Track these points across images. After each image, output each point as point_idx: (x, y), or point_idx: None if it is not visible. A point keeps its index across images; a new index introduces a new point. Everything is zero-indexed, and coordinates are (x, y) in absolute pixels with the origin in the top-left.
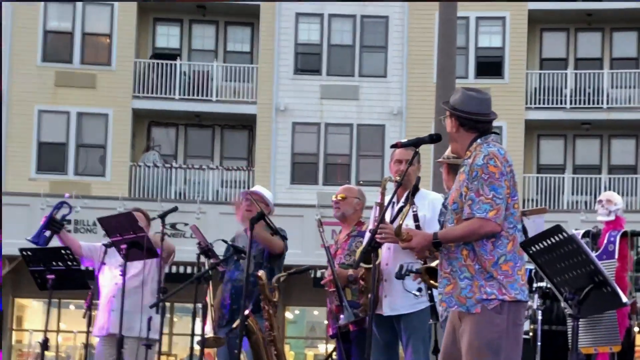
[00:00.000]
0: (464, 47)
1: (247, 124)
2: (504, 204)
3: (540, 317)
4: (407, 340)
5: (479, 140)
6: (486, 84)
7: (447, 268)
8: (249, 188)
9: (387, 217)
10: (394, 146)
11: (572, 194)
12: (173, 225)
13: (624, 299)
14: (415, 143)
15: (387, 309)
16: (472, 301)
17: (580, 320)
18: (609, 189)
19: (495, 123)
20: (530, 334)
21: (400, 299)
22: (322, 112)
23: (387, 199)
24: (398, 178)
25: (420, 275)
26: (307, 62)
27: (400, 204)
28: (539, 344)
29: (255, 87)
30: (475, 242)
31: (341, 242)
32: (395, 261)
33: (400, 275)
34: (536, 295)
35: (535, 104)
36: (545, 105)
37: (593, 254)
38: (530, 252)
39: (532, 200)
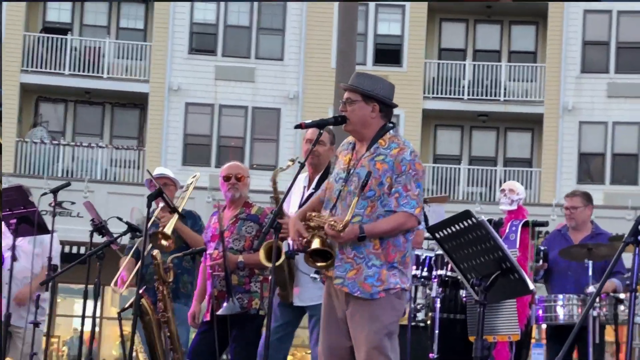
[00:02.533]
0: (363, 33)
1: (138, 102)
2: (422, 202)
3: (438, 305)
4: (312, 329)
5: (392, 131)
6: (384, 72)
7: (351, 253)
8: (139, 168)
9: (297, 202)
10: (298, 127)
11: (468, 185)
12: (59, 204)
13: (531, 286)
14: (319, 124)
15: (297, 299)
16: (377, 289)
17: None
18: (504, 181)
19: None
20: (428, 322)
21: (308, 291)
22: (217, 93)
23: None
24: (290, 162)
25: (305, 257)
26: (202, 42)
27: (311, 189)
28: (436, 332)
29: (148, 66)
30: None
31: (228, 225)
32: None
33: (291, 254)
34: (435, 284)
35: (433, 93)
36: (443, 96)
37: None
38: (438, 237)
39: (428, 190)
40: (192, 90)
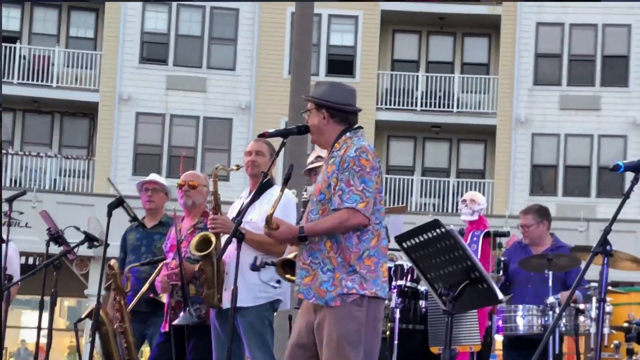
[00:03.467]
0: (316, 44)
1: (88, 112)
2: (372, 198)
3: (397, 316)
4: (243, 334)
5: (348, 134)
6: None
7: (307, 259)
8: (89, 178)
9: (235, 210)
10: (262, 136)
11: (421, 196)
12: (5, 213)
13: (500, 295)
14: (283, 133)
15: (226, 302)
16: (331, 294)
17: (441, 318)
18: (457, 193)
19: None
20: (387, 332)
21: (240, 294)
22: (168, 102)
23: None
24: (235, 167)
25: (276, 268)
26: (153, 51)
27: (250, 199)
28: (395, 342)
29: (98, 75)
30: (342, 234)
31: (186, 234)
32: (244, 257)
33: (255, 267)
34: (394, 294)
35: (386, 104)
36: (396, 107)
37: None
38: (405, 246)
39: (382, 201)
40: (142, 99)
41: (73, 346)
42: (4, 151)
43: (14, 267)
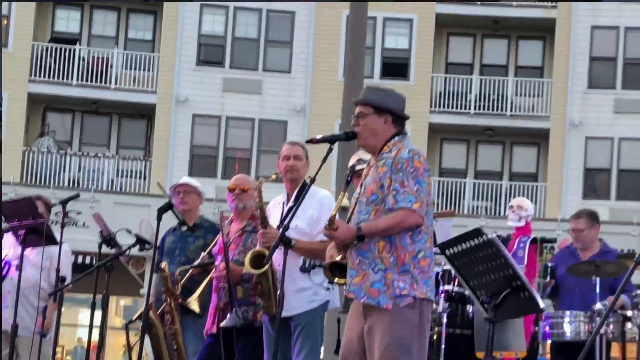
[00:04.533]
0: (370, 47)
1: (145, 113)
2: (426, 199)
3: (445, 320)
4: (296, 338)
5: (397, 138)
6: (391, 85)
7: (356, 259)
8: (145, 179)
9: (278, 217)
10: (309, 142)
11: (473, 199)
12: (66, 214)
13: (542, 304)
14: (330, 140)
15: (284, 311)
16: (384, 296)
17: (486, 325)
18: (510, 196)
19: None
20: (435, 337)
21: (293, 300)
22: (224, 105)
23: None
24: (274, 176)
25: (324, 270)
26: (210, 53)
27: (290, 203)
28: (442, 347)
29: (155, 77)
30: (397, 234)
31: (234, 237)
32: (291, 261)
33: (305, 269)
34: (441, 299)
35: (439, 107)
36: (450, 110)
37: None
38: (448, 254)
39: (434, 204)
40: (199, 101)
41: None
42: (62, 151)
43: (64, 269)
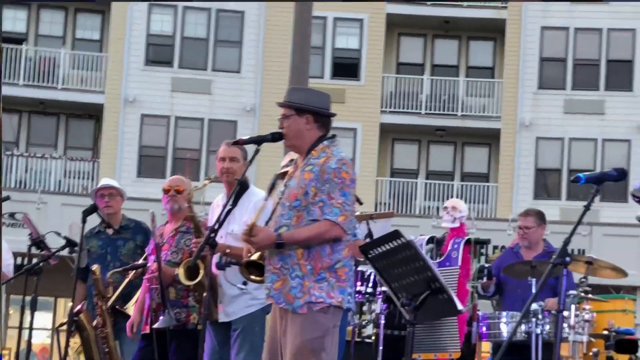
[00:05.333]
0: (321, 47)
1: (93, 113)
2: (351, 212)
3: (382, 322)
4: (234, 340)
5: (325, 142)
6: (342, 85)
7: (278, 264)
8: (93, 179)
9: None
10: (235, 143)
11: (425, 199)
12: (12, 215)
13: (459, 306)
14: (257, 141)
15: (222, 315)
16: (299, 302)
17: (422, 325)
18: (461, 196)
19: (350, 125)
20: (373, 338)
21: (231, 305)
22: (173, 105)
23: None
24: (207, 182)
25: (240, 268)
26: (158, 53)
27: (229, 206)
28: (380, 348)
29: (103, 77)
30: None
31: (168, 237)
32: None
33: (220, 266)
34: (380, 300)
35: (390, 107)
36: (401, 110)
37: (435, 261)
38: (369, 255)
39: (385, 204)
40: (147, 101)
41: (74, 346)
42: (8, 152)
43: (5, 267)
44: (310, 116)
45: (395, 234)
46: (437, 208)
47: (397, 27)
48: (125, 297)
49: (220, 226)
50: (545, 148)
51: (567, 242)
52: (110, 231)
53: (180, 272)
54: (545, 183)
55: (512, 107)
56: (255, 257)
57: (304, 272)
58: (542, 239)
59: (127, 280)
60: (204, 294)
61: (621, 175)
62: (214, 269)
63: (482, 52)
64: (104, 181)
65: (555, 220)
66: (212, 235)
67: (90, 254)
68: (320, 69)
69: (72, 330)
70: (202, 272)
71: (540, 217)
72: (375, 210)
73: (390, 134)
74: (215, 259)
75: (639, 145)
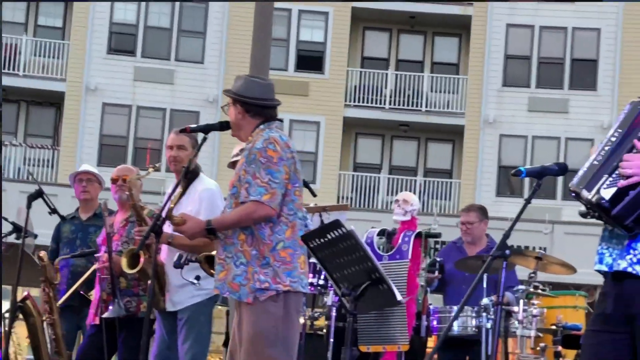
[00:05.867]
0: (285, 39)
1: (54, 101)
2: (280, 189)
3: (334, 314)
4: (180, 329)
5: (261, 127)
6: (306, 78)
7: (222, 254)
8: (53, 167)
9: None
10: (183, 131)
11: (388, 194)
12: None
13: (399, 297)
14: (204, 129)
15: (169, 304)
16: (245, 289)
17: (370, 318)
18: (424, 192)
19: (313, 118)
20: (325, 330)
21: (177, 294)
22: (135, 94)
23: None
24: (151, 170)
25: (200, 264)
26: (121, 42)
27: (175, 194)
28: (331, 340)
29: (65, 64)
30: (254, 226)
31: (118, 227)
32: (170, 256)
33: (179, 265)
34: (331, 292)
35: (354, 101)
36: (365, 104)
37: (386, 254)
38: (311, 245)
39: (348, 198)
40: (109, 90)
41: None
42: None
43: None
44: (240, 106)
45: (336, 224)
46: None
47: (362, 21)
48: (90, 283)
49: (165, 214)
50: (508, 145)
51: (507, 235)
52: (84, 217)
53: (123, 260)
54: (508, 180)
55: (477, 103)
56: (214, 252)
57: (248, 258)
58: (485, 234)
59: (92, 267)
60: (149, 282)
61: (562, 170)
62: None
63: (447, 48)
64: (84, 167)
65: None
66: (158, 223)
67: (62, 239)
68: (285, 62)
69: (16, 317)
70: (142, 260)
71: (482, 212)
72: (337, 203)
73: (353, 128)
74: (172, 257)
75: None
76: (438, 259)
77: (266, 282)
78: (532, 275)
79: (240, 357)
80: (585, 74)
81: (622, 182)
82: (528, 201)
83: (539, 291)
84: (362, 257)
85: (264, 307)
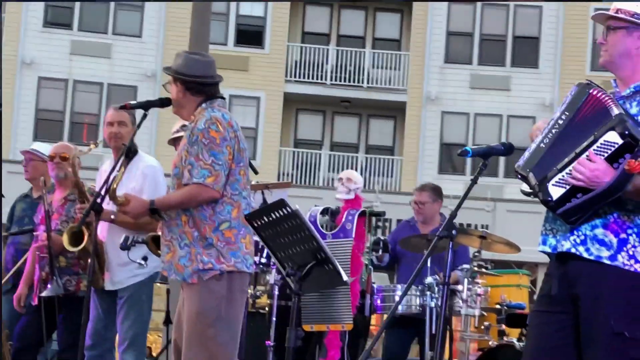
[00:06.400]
0: (225, 13)
1: None
2: (223, 170)
3: (276, 293)
4: (120, 308)
5: (203, 105)
6: (246, 53)
7: (168, 235)
8: None
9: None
10: (123, 107)
11: (329, 170)
12: None
13: (345, 277)
14: (144, 106)
15: (109, 283)
16: (189, 270)
17: (313, 297)
18: (366, 169)
19: (253, 93)
20: (267, 309)
21: (117, 274)
22: (72, 68)
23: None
24: (93, 146)
25: (147, 245)
26: (57, 15)
27: (115, 172)
28: (274, 319)
29: (0, 38)
30: (195, 208)
31: (57, 206)
32: (111, 234)
33: (125, 246)
34: (274, 270)
35: (295, 77)
36: (306, 80)
37: (329, 232)
38: (255, 225)
39: (289, 174)
40: (45, 64)
41: None
42: None
43: None
44: (180, 84)
45: (281, 203)
46: None
47: None
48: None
49: (106, 192)
50: (450, 122)
51: (453, 215)
52: (35, 195)
53: (64, 238)
54: (450, 158)
55: (419, 80)
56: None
57: (190, 239)
58: (439, 214)
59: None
60: (89, 260)
61: (508, 150)
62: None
63: (388, 23)
64: (32, 145)
65: (459, 195)
66: (98, 200)
67: (14, 217)
68: (224, 36)
69: None
70: (86, 237)
71: (436, 192)
72: (278, 180)
73: (294, 104)
74: (112, 236)
75: None
76: (382, 238)
77: (209, 262)
78: (477, 254)
79: (184, 337)
80: (527, 51)
81: (572, 181)
82: (474, 181)
83: (484, 270)
84: (307, 236)
85: (207, 286)
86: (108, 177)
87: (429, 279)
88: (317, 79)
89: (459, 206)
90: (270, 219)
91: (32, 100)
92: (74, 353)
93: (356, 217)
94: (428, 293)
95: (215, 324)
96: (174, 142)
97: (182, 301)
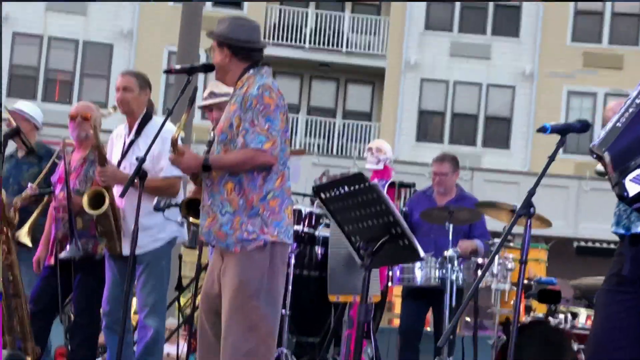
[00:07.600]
0: None
1: None
2: (280, 137)
3: (293, 262)
4: (139, 274)
5: (251, 71)
6: (224, 14)
7: (208, 201)
8: None
9: (120, 150)
10: (168, 72)
11: (305, 135)
12: None
13: (422, 253)
14: (189, 70)
15: (125, 249)
16: (232, 239)
17: (340, 268)
18: (343, 135)
19: None
20: None
21: (139, 239)
22: (47, 24)
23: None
24: (112, 110)
25: (180, 209)
26: None
27: (131, 136)
28: (290, 287)
29: None
30: (245, 175)
31: (75, 166)
32: (128, 200)
33: (160, 208)
34: None
35: (273, 39)
36: (284, 42)
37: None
38: (324, 197)
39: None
40: (20, 19)
41: None
42: None
43: None
44: (226, 49)
45: (359, 177)
46: (318, 145)
47: None
48: (19, 223)
49: (145, 155)
50: (429, 90)
51: (532, 193)
52: (20, 155)
53: (84, 199)
54: (428, 126)
55: (398, 46)
56: (193, 195)
57: (235, 207)
58: (455, 185)
59: (37, 210)
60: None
61: (584, 127)
62: (143, 209)
63: None
64: (17, 105)
65: None
66: (141, 166)
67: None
68: None
69: None
70: (107, 202)
71: (455, 162)
72: None
73: (271, 67)
74: (131, 201)
75: (523, 92)
76: (404, 209)
77: (254, 232)
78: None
79: (223, 307)
80: (508, 19)
81: None
82: (552, 159)
83: (512, 245)
84: (384, 211)
85: (250, 256)
86: (132, 142)
87: (450, 251)
88: (295, 42)
89: (537, 183)
90: (343, 191)
91: (6, 55)
92: (90, 317)
93: (385, 188)
94: (448, 265)
95: (258, 295)
96: (205, 108)
97: (218, 271)
